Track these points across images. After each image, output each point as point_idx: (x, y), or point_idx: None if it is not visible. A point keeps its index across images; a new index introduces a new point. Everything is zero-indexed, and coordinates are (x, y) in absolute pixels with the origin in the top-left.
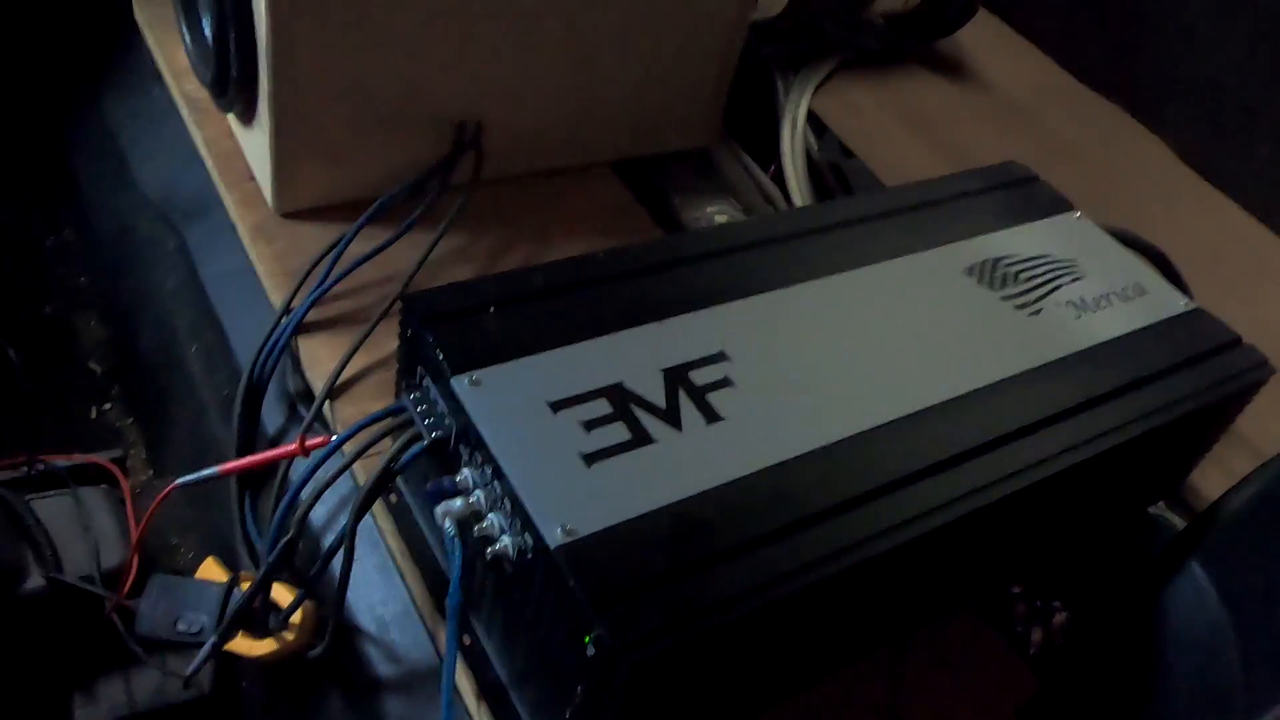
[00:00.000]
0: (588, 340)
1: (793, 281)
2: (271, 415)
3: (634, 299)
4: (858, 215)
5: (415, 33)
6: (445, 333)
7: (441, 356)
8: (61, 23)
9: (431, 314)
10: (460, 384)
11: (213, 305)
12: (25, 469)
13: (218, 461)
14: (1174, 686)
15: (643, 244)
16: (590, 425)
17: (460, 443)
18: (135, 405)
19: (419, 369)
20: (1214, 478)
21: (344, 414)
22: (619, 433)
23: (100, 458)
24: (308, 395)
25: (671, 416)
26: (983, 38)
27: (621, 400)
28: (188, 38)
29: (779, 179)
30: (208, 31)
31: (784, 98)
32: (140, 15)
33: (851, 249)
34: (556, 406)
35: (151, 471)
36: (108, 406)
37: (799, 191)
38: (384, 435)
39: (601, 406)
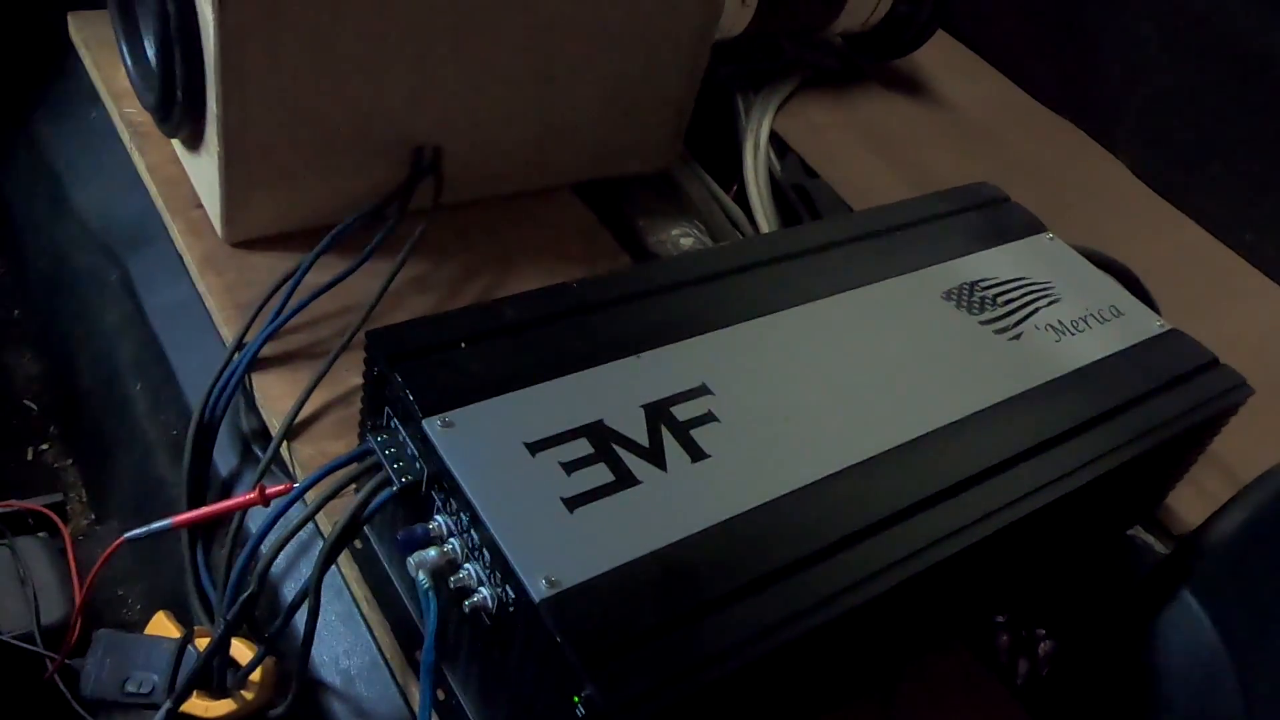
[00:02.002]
0: (564, 376)
1: (770, 310)
2: (224, 456)
3: (610, 331)
4: (832, 240)
5: (370, 55)
6: (414, 371)
7: (411, 397)
8: None
9: (399, 351)
10: (432, 426)
11: (158, 340)
12: None
13: (166, 506)
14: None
15: (616, 273)
16: (571, 467)
17: (432, 488)
18: (74, 446)
19: (386, 409)
20: (1187, 498)
21: (303, 455)
22: (601, 474)
23: (38, 504)
24: (263, 435)
25: (655, 455)
26: (939, 57)
27: (602, 439)
28: (129, 59)
29: (741, 199)
30: (150, 53)
31: (745, 118)
32: (76, 34)
33: (828, 275)
34: (534, 448)
35: (93, 516)
36: (45, 447)
37: (763, 212)
38: (349, 481)
39: (582, 447)
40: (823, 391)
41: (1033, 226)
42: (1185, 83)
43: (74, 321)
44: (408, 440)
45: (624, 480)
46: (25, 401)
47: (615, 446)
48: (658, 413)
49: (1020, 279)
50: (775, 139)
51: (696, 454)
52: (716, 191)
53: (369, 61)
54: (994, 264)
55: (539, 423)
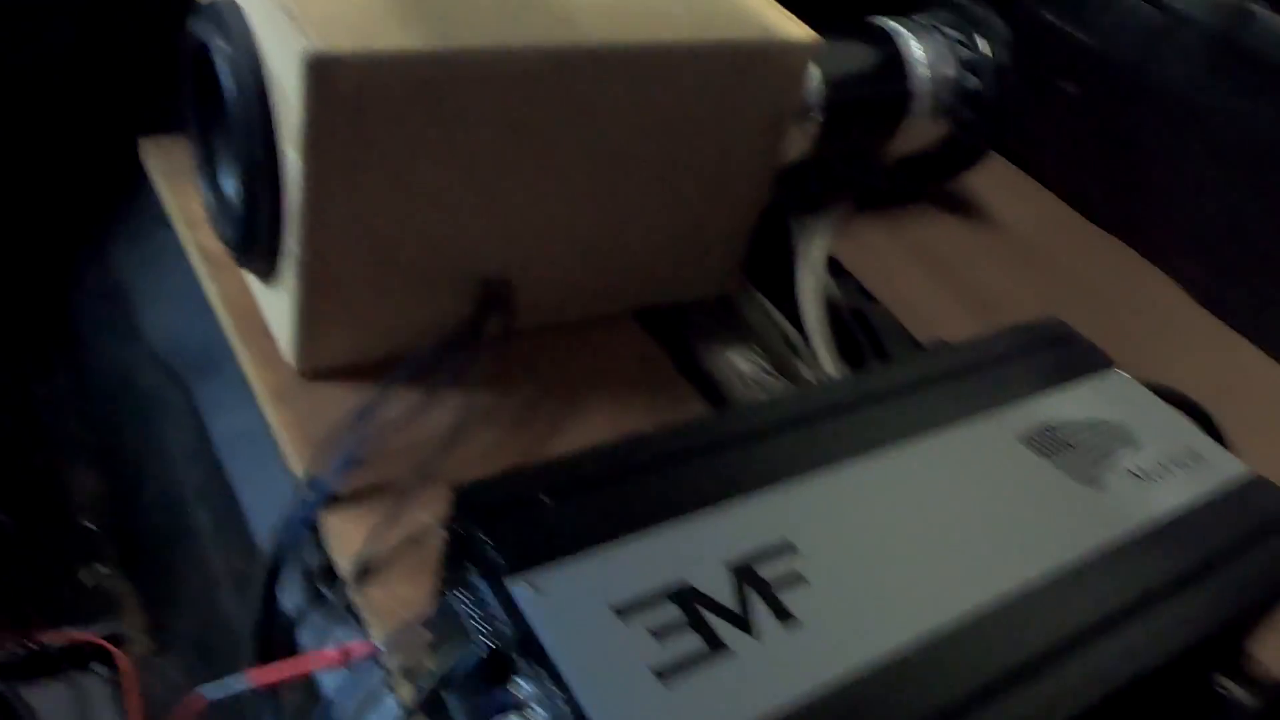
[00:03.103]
0: (648, 532)
1: (848, 458)
2: (290, 594)
3: (690, 484)
4: (904, 383)
5: (445, 193)
6: (501, 530)
7: (498, 558)
8: (68, 163)
9: (484, 508)
10: (519, 588)
11: (225, 469)
12: (17, 650)
13: (230, 643)
14: None
15: (692, 421)
16: (660, 633)
17: (517, 651)
18: (133, 569)
19: (468, 565)
20: (1270, 643)
21: (374, 598)
22: (692, 642)
23: (95, 634)
24: (330, 573)
25: (744, 620)
26: (989, 176)
27: (690, 603)
28: (207, 193)
29: (795, 320)
30: (229, 188)
31: (800, 240)
32: (151, 162)
33: (902, 420)
34: (623, 612)
35: (151, 643)
36: (102, 568)
37: (820, 336)
38: (430, 642)
39: (670, 611)
40: (907, 545)
41: (1102, 363)
42: (1240, 202)
43: (137, 443)
44: (492, 600)
45: (715, 648)
46: (83, 521)
47: (703, 610)
48: (743, 572)
49: (1095, 420)
50: (830, 261)
51: (786, 618)
52: (775, 316)
53: (444, 198)
54: (1067, 404)
55: (625, 584)
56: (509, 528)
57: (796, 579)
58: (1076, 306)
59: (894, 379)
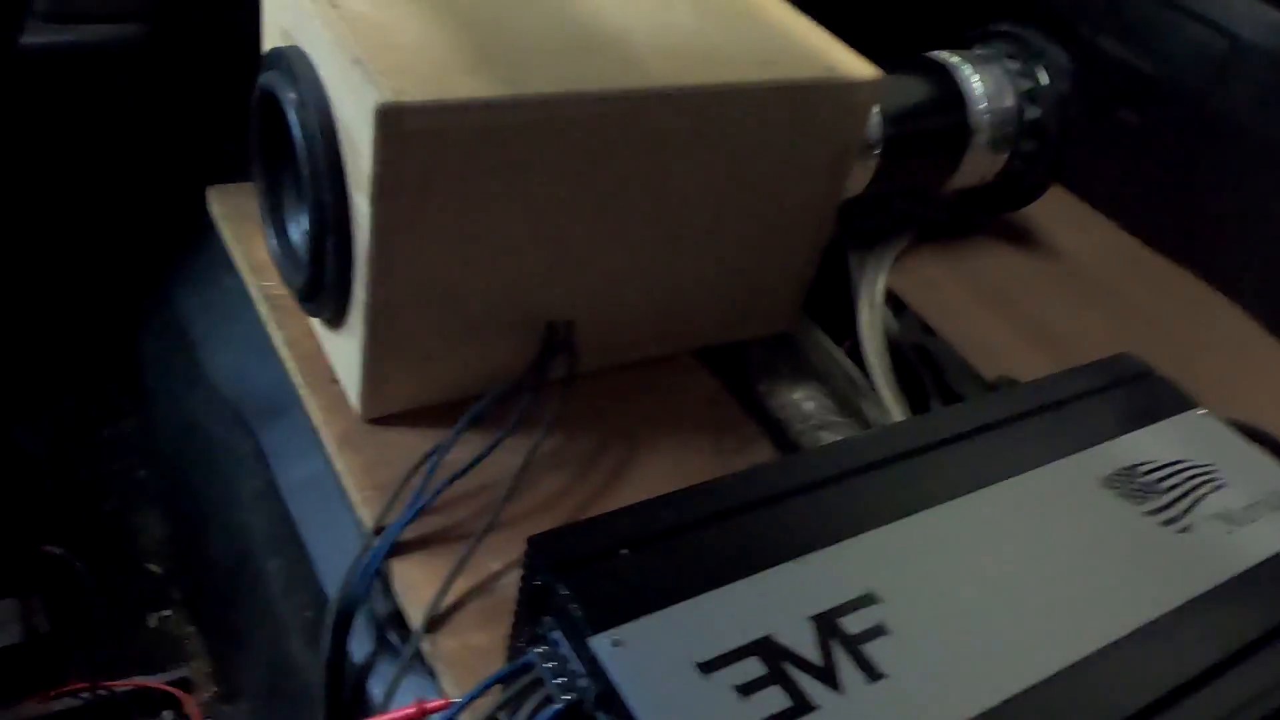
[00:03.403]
0: (728, 585)
1: (927, 504)
2: (359, 641)
3: (768, 533)
4: (978, 425)
5: (511, 238)
6: (581, 583)
7: (580, 612)
8: (135, 210)
9: (563, 559)
10: (601, 644)
11: (292, 516)
12: (87, 696)
13: (299, 691)
14: None
15: (767, 467)
16: (745, 690)
17: (598, 709)
18: (199, 614)
19: (546, 618)
20: None
21: (445, 648)
22: (777, 699)
23: (164, 682)
24: (399, 620)
25: (829, 676)
26: (1048, 207)
27: (774, 657)
28: (274, 241)
29: (854, 356)
30: (295, 237)
31: (858, 275)
32: (216, 209)
33: (980, 463)
34: (706, 668)
35: (218, 690)
36: (167, 613)
37: (881, 372)
38: (508, 698)
39: (753, 666)
40: (992, 597)
41: (1183, 402)
42: None
43: (204, 488)
44: (571, 655)
45: (801, 706)
46: (149, 566)
47: (787, 665)
48: (827, 626)
49: (1180, 462)
50: (890, 295)
51: (871, 673)
52: (836, 353)
53: (511, 243)
54: (1149, 445)
55: (708, 639)
56: (589, 581)
57: (881, 632)
58: (1146, 340)
59: (969, 421)
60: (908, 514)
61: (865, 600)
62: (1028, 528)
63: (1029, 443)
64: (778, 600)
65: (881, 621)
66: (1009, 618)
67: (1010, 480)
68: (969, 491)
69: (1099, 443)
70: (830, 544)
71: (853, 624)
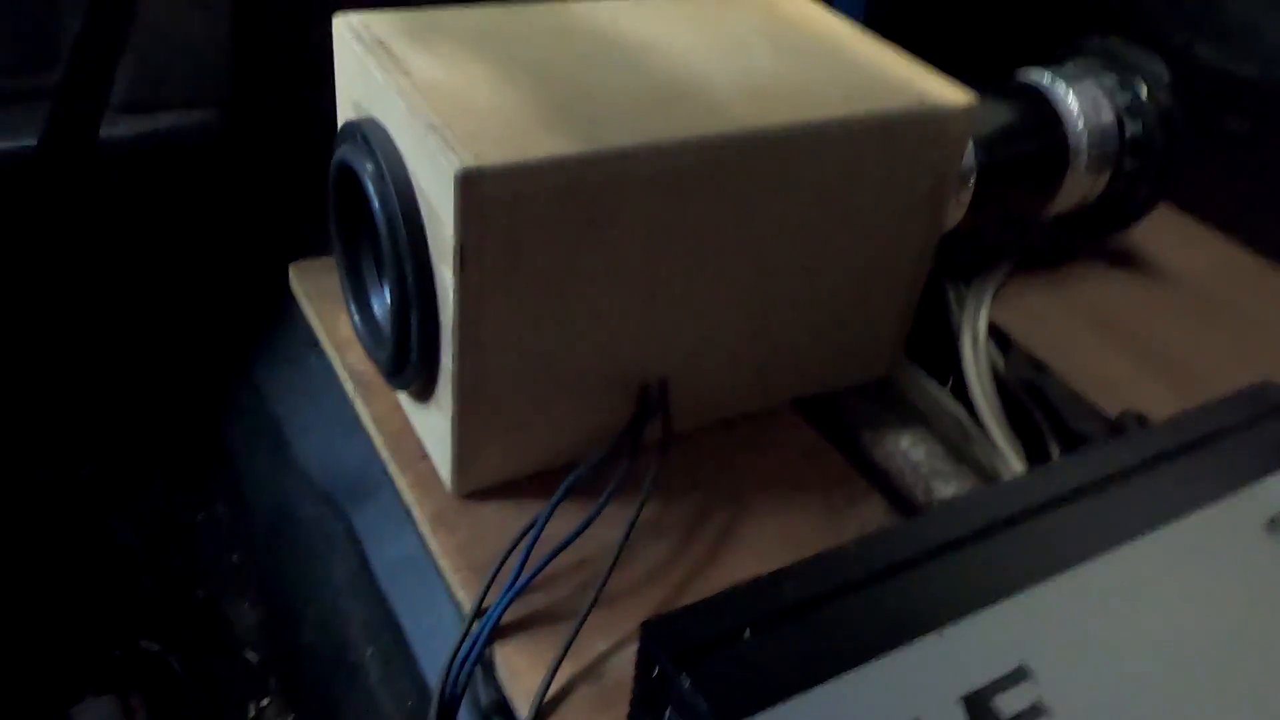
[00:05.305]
0: (865, 665)
1: (1073, 561)
2: None
3: (903, 604)
4: (1117, 469)
5: (602, 303)
6: (704, 673)
7: (705, 706)
8: (215, 290)
9: (682, 646)
10: None
11: (387, 598)
12: None
13: None
14: None
15: (891, 531)
16: None
17: None
18: (297, 703)
19: (665, 710)
20: None
21: None
22: None
23: None
24: (503, 708)
25: None
26: (1153, 225)
27: None
28: (357, 317)
29: (958, 395)
30: (378, 311)
31: (958, 311)
32: (298, 286)
33: (1126, 513)
34: None
35: None
36: (265, 701)
37: (989, 412)
38: None
39: None
40: (1160, 665)
41: None
42: None
43: (297, 573)
44: None
45: None
46: (245, 654)
47: None
48: (978, 708)
49: None
50: (993, 330)
51: None
52: (941, 396)
53: (599, 303)
54: None
55: None
56: (712, 669)
57: (1039, 713)
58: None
59: (1106, 466)
60: (1053, 574)
61: (1018, 675)
62: (1188, 583)
63: (1175, 487)
64: (919, 679)
65: (1038, 700)
66: (1182, 689)
67: (1161, 530)
68: (1117, 545)
69: (1254, 484)
70: (972, 612)
71: (1007, 704)
